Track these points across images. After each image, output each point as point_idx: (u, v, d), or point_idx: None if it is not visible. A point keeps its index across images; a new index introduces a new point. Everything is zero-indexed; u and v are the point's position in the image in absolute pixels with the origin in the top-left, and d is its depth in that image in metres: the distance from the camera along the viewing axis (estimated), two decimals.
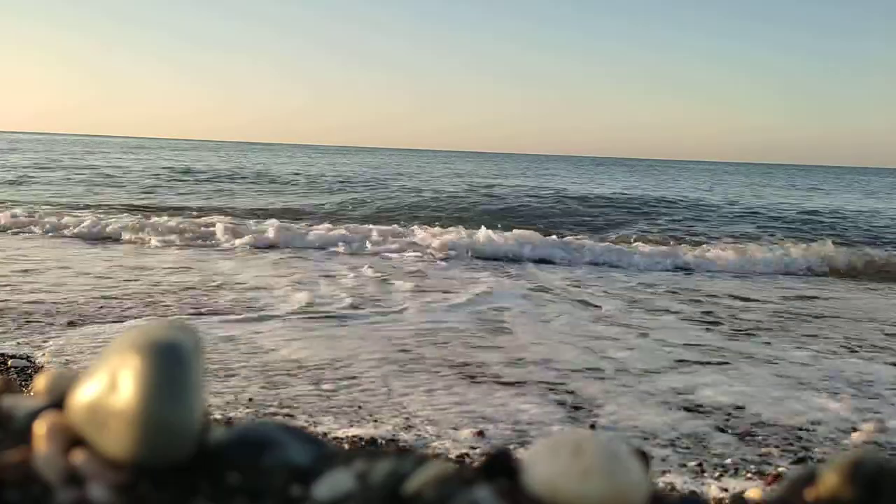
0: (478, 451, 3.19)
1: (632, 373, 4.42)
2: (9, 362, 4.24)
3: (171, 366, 0.49)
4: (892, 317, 6.60)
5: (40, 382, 0.59)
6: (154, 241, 9.48)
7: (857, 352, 5.19)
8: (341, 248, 9.40)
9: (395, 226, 11.51)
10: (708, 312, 6.44)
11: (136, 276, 7.03)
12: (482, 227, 10.43)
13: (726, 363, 4.73)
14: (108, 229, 10.06)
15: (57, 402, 0.56)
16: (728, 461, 3.15)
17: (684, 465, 3.11)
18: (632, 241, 11.11)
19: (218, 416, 3.41)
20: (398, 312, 5.85)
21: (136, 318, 5.38)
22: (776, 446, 3.33)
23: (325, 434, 3.32)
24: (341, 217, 13.59)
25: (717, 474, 3.03)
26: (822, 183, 39.86)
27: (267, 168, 28.81)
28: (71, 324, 5.17)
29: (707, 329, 5.75)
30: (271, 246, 9.44)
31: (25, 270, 7.06)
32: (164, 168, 25.88)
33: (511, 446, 3.25)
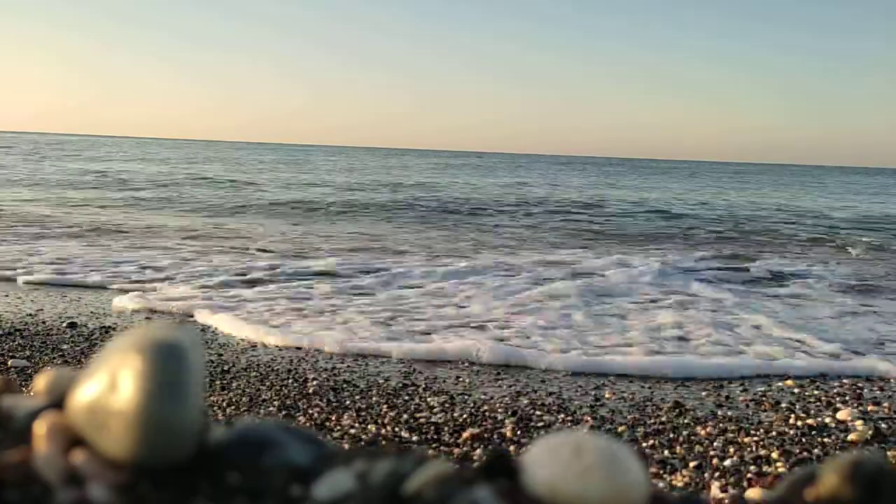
0: (478, 451, 3.19)
1: None
2: (9, 362, 4.24)
3: (171, 366, 0.49)
4: None
5: (40, 382, 0.59)
6: None
7: None
8: None
9: None
10: None
11: None
12: None
13: None
14: None
15: (57, 402, 0.56)
16: (728, 462, 3.15)
17: (685, 465, 3.11)
18: None
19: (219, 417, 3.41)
20: None
21: None
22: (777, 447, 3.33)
23: None
24: None
25: (717, 474, 3.03)
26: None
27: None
28: None
29: None
30: None
31: None
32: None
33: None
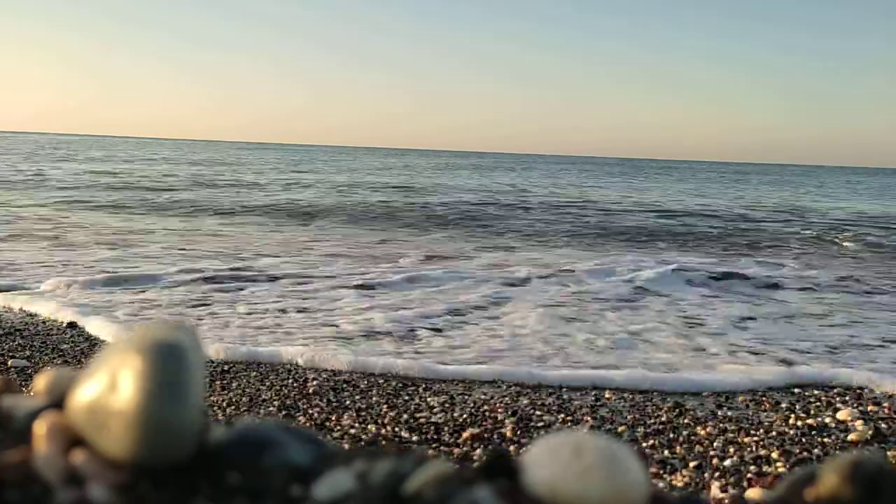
0: (478, 451, 3.19)
1: None
2: (9, 362, 4.24)
3: (171, 366, 0.49)
4: None
5: (40, 382, 0.59)
6: None
7: None
8: None
9: None
10: None
11: None
12: None
13: None
14: None
15: (57, 402, 0.56)
16: (728, 462, 3.15)
17: (685, 465, 3.11)
18: None
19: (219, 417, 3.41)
20: None
21: None
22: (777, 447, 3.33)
23: None
24: None
25: (717, 474, 3.03)
26: None
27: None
28: None
29: None
30: None
31: None
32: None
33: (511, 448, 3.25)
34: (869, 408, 3.93)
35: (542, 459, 0.50)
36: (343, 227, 12.97)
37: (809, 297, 7.41)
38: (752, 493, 2.80)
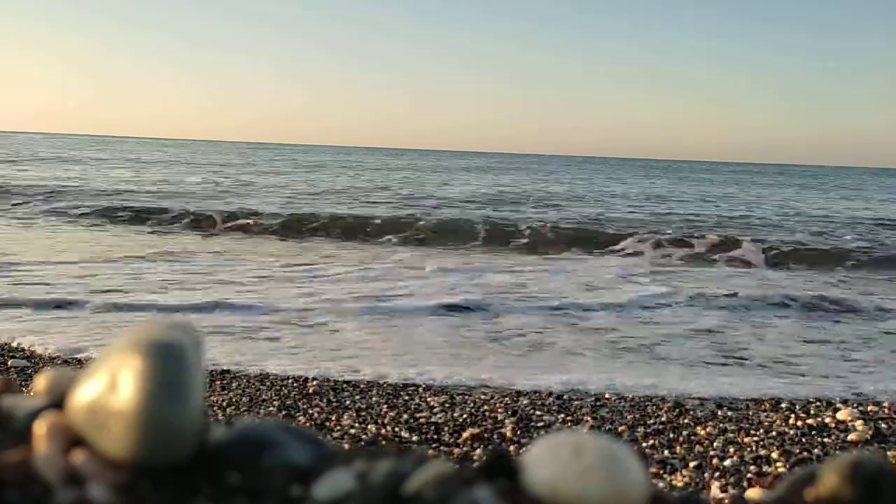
0: (478, 451, 3.19)
1: None
2: (9, 362, 4.24)
3: (171, 366, 0.49)
4: None
5: (40, 382, 0.59)
6: None
7: None
8: None
9: None
10: None
11: None
12: None
13: None
14: None
15: (57, 402, 0.56)
16: (728, 462, 3.15)
17: (685, 465, 3.11)
18: None
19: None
20: None
21: None
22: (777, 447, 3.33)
23: None
24: None
25: (717, 474, 3.03)
26: None
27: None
28: None
29: None
30: None
31: None
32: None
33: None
34: (869, 408, 3.93)
35: (542, 459, 0.50)
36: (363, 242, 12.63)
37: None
38: (752, 493, 2.80)
